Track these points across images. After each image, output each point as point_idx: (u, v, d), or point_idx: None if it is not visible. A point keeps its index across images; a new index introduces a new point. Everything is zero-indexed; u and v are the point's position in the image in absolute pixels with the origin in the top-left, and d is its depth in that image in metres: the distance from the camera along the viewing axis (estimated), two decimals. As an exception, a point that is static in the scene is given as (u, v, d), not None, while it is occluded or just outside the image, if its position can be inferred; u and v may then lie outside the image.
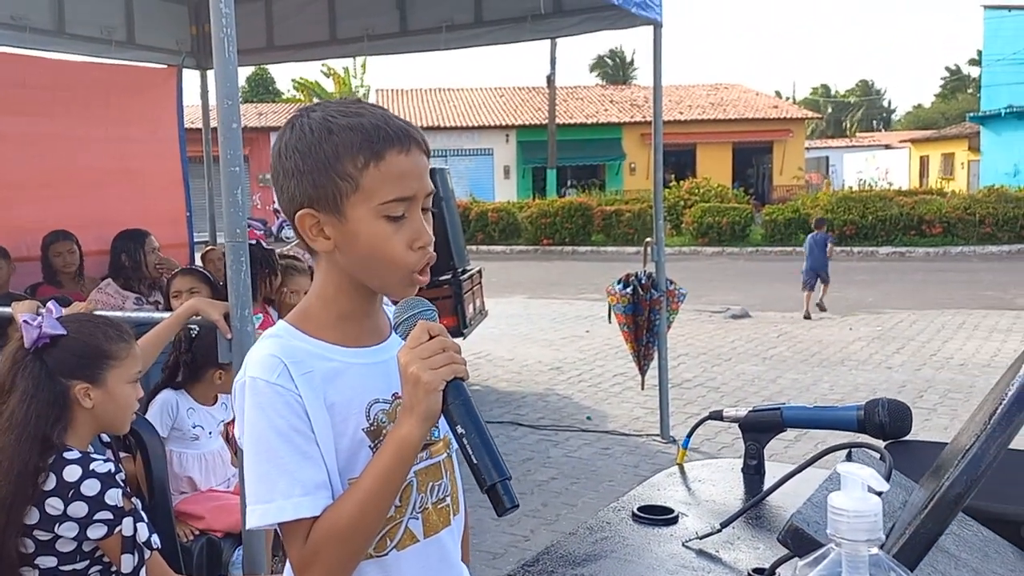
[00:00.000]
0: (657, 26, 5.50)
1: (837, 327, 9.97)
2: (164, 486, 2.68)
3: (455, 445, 1.37)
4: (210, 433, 3.16)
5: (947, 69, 71.40)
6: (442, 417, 1.14)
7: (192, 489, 3.10)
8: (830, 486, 1.14)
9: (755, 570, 1.24)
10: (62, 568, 1.93)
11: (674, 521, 1.44)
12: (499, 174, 31.79)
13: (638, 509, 1.47)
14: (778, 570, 1.22)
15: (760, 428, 1.64)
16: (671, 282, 5.80)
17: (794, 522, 1.02)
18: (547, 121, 28.56)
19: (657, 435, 5.79)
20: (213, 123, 6.76)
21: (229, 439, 3.28)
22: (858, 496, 0.79)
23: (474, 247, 16.09)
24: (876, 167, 36.95)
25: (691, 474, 1.67)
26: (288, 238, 20.67)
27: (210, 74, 6.77)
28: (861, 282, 14.33)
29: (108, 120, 5.99)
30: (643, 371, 6.03)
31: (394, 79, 48.30)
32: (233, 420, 3.28)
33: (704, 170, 28.82)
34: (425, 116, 31.65)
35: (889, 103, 78.67)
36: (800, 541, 1.00)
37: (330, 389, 1.19)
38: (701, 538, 1.34)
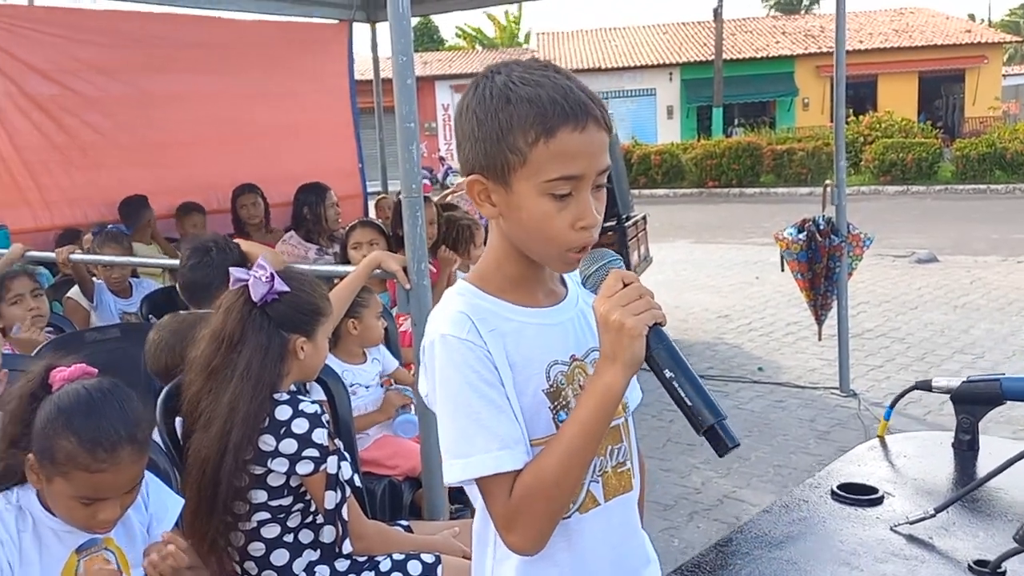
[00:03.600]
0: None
1: (1039, 273, 9.11)
2: (350, 428, 2.79)
3: (632, 408, 1.34)
4: (367, 387, 3.25)
5: None
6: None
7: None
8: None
9: (976, 562, 1.13)
10: (270, 503, 2.06)
11: (879, 502, 1.33)
12: (662, 114, 30.86)
13: (838, 487, 1.37)
14: (1004, 563, 1.10)
15: (975, 400, 1.49)
16: (853, 226, 5.45)
17: (1037, 522, 0.90)
18: (713, 57, 27.37)
19: (836, 388, 5.52)
20: (382, 74, 6.96)
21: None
22: None
23: (636, 191, 15.67)
24: (1087, 93, 33.15)
25: (894, 448, 1.54)
26: (453, 184, 21.25)
27: (379, 27, 6.91)
28: (1067, 222, 13.01)
29: (284, 77, 6.24)
30: (820, 321, 5.73)
31: (554, 22, 47.77)
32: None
33: (886, 103, 26.77)
34: (585, 57, 31.13)
35: (1104, 20, 69.95)
36: (1044, 544, 0.89)
37: (512, 348, 1.19)
38: (912, 523, 1.23)
